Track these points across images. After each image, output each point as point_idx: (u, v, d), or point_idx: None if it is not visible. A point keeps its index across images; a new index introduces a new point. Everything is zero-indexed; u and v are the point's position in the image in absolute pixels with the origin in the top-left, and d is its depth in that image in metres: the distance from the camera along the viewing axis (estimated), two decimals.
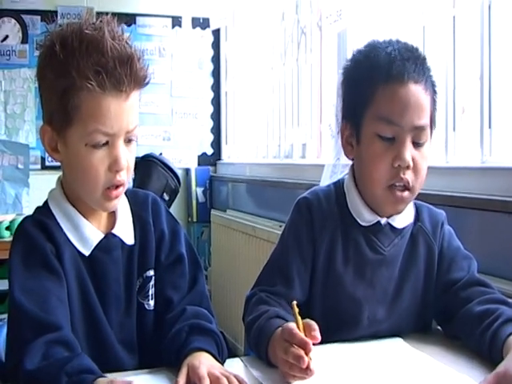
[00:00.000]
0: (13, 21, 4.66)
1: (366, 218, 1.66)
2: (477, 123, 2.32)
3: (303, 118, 3.85)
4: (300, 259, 1.65)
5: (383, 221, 1.65)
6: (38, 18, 4.71)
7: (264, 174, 4.24)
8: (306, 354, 1.27)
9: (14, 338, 1.33)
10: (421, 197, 2.18)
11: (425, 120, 1.56)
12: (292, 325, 1.33)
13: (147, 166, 4.28)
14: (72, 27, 1.39)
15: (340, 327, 1.63)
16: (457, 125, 2.47)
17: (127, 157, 1.42)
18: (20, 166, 4.59)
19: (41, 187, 4.29)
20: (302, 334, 1.30)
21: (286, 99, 4.08)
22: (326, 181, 2.84)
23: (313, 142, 3.74)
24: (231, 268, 4.29)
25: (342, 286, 1.65)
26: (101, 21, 1.40)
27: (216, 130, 5.24)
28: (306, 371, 1.27)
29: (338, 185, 1.73)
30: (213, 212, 4.93)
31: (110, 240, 1.50)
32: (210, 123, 5.22)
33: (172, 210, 1.63)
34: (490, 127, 2.27)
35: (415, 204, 1.73)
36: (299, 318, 1.33)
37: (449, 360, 1.48)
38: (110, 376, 1.28)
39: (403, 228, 1.68)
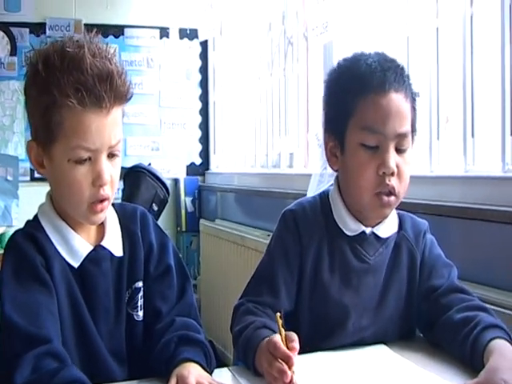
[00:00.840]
0: (1, 33, 4.66)
1: (351, 227, 1.69)
2: (460, 133, 2.35)
3: (290, 127, 3.88)
4: (286, 270, 1.68)
5: (368, 230, 1.68)
6: (27, 30, 4.72)
7: (252, 184, 4.27)
8: (289, 367, 1.30)
9: (4, 353, 1.35)
10: (405, 205, 2.21)
11: (406, 127, 1.60)
12: (277, 338, 1.36)
13: (136, 176, 4.26)
14: (55, 45, 1.41)
15: (327, 334, 1.66)
16: (441, 134, 2.50)
17: (111, 171, 1.44)
18: (9, 178, 4.63)
19: (30, 199, 4.35)
20: (285, 348, 1.33)
21: (274, 109, 4.11)
22: (312, 190, 2.87)
23: (300, 151, 3.77)
24: (220, 277, 4.31)
25: (329, 294, 1.67)
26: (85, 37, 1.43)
27: (204, 140, 5.26)
28: None
29: (323, 196, 1.76)
30: (202, 222, 4.94)
31: (98, 252, 1.52)
32: (199, 133, 5.24)
33: (161, 219, 1.65)
34: (472, 137, 2.31)
35: (398, 214, 1.77)
36: (282, 330, 1.36)
37: (432, 367, 1.50)
38: None
39: (387, 237, 1.71)
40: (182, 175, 5.17)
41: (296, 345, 1.34)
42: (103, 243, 1.53)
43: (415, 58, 2.64)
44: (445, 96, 2.50)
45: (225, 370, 1.54)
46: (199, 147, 5.25)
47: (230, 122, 4.98)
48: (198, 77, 5.22)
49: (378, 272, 1.70)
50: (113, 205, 1.57)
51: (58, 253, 1.47)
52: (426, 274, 1.72)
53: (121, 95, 1.42)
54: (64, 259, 1.48)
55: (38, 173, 1.50)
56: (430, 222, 1.90)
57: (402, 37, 2.69)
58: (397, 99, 1.59)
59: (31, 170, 4.67)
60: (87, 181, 1.41)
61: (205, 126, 5.26)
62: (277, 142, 4.05)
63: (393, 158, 1.58)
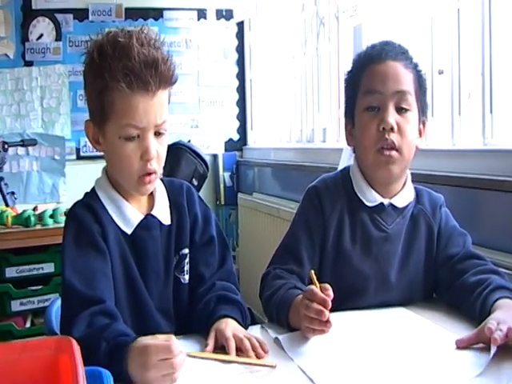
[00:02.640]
0: (47, 20, 4.75)
1: (370, 198, 1.81)
2: (480, 108, 2.44)
3: (323, 103, 3.97)
4: (309, 242, 1.81)
5: (386, 202, 1.81)
6: (71, 15, 4.79)
7: (287, 158, 4.34)
8: (326, 309, 1.43)
9: (65, 313, 1.53)
10: (429, 177, 2.35)
11: (405, 87, 1.74)
12: (313, 286, 1.49)
13: (176, 153, 4.34)
14: (109, 36, 1.57)
15: (349, 298, 1.77)
16: (462, 110, 2.58)
17: (157, 147, 1.59)
18: (56, 157, 4.76)
19: (76, 176, 4.54)
20: (321, 293, 1.45)
21: (307, 86, 4.19)
22: (344, 163, 2.98)
23: (332, 126, 3.85)
24: (257, 248, 4.37)
25: (351, 263, 1.80)
26: (134, 28, 1.60)
27: (241, 117, 5.31)
28: (326, 324, 1.44)
29: (345, 172, 1.90)
30: (240, 195, 5.04)
31: (149, 220, 1.68)
32: (236, 110, 5.30)
33: (201, 194, 1.81)
34: (491, 112, 2.40)
35: (416, 188, 1.88)
36: (317, 282, 1.49)
37: (447, 324, 1.64)
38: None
39: (404, 208, 1.83)
40: (220, 151, 5.25)
41: (331, 293, 1.46)
42: (153, 212, 1.69)
43: (439, 38, 2.73)
44: (467, 73, 2.57)
45: (257, 326, 1.69)
46: (237, 124, 5.32)
47: (266, 98, 5.04)
48: (235, 56, 5.27)
49: (396, 240, 1.82)
50: (162, 180, 1.73)
51: (113, 221, 1.64)
52: (443, 244, 1.84)
53: (165, 79, 1.57)
54: (118, 227, 1.64)
55: (95, 148, 1.67)
56: (452, 192, 2.01)
57: (426, 18, 2.78)
58: (394, 65, 1.75)
59: (77, 149, 4.84)
60: (136, 156, 1.57)
61: (242, 104, 5.32)
62: (310, 117, 4.14)
63: (392, 116, 1.72)
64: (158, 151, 1.59)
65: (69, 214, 1.66)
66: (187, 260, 1.74)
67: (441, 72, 2.75)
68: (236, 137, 5.34)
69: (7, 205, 3.85)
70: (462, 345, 1.47)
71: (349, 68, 1.88)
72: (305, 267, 1.78)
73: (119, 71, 1.51)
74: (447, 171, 2.47)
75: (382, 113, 1.73)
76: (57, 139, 4.79)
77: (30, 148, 4.65)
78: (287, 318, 1.61)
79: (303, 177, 3.91)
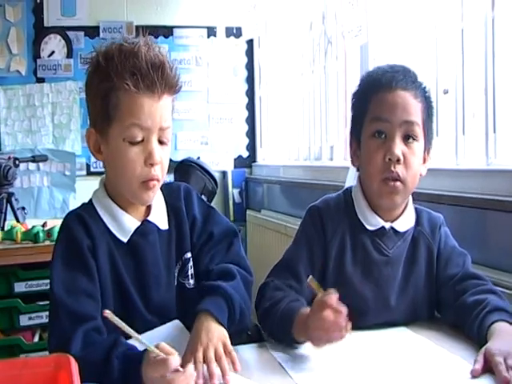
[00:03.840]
0: (58, 37, 4.82)
1: (371, 221, 1.82)
2: (483, 128, 2.45)
3: (330, 121, 3.99)
4: (309, 262, 1.82)
5: (387, 225, 1.82)
6: (82, 33, 4.87)
7: (296, 176, 4.34)
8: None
9: (55, 325, 1.53)
10: (432, 197, 2.36)
11: (413, 117, 1.74)
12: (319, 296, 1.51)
13: (186, 170, 4.32)
14: (114, 44, 1.60)
15: (350, 319, 1.77)
16: (466, 129, 2.60)
17: (160, 154, 1.59)
18: (67, 173, 4.83)
19: (86, 192, 4.48)
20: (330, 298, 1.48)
21: (315, 104, 4.21)
22: (350, 181, 3.01)
23: (339, 144, 3.86)
24: (266, 265, 4.28)
25: (352, 285, 1.80)
26: (138, 35, 1.62)
27: (251, 134, 5.34)
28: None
29: (347, 193, 1.90)
30: (248, 212, 5.07)
31: (145, 226, 1.67)
32: (245, 127, 5.33)
33: None
34: (494, 132, 2.41)
35: (416, 209, 1.89)
36: (321, 289, 1.52)
37: (446, 343, 1.65)
38: None
39: (405, 232, 1.84)
40: (229, 168, 5.27)
41: (334, 295, 1.49)
42: (149, 218, 1.68)
43: (443, 58, 2.75)
44: (471, 93, 2.58)
45: (255, 344, 1.70)
46: (246, 141, 5.34)
47: (275, 116, 5.06)
48: (245, 73, 5.30)
49: (396, 264, 1.83)
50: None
51: (107, 231, 1.64)
52: (443, 264, 1.85)
53: (171, 85, 1.59)
54: (113, 236, 1.64)
55: (95, 158, 1.67)
56: (455, 211, 2.00)
57: (430, 38, 2.81)
58: (404, 95, 1.74)
59: (87, 164, 4.89)
60: (139, 160, 1.57)
61: (251, 121, 5.34)
62: (318, 135, 4.15)
63: (399, 147, 1.72)
64: (161, 158, 1.59)
65: (62, 224, 1.66)
66: (191, 264, 1.73)
67: (446, 91, 2.76)
68: (245, 154, 5.37)
69: (18, 220, 3.89)
70: (478, 374, 1.44)
71: (356, 87, 1.88)
72: (303, 287, 1.78)
73: (126, 70, 1.53)
74: (450, 190, 2.48)
75: (389, 142, 1.73)
76: (67, 155, 4.86)
77: (40, 164, 4.71)
78: (290, 329, 1.60)
79: (311, 194, 3.90)
